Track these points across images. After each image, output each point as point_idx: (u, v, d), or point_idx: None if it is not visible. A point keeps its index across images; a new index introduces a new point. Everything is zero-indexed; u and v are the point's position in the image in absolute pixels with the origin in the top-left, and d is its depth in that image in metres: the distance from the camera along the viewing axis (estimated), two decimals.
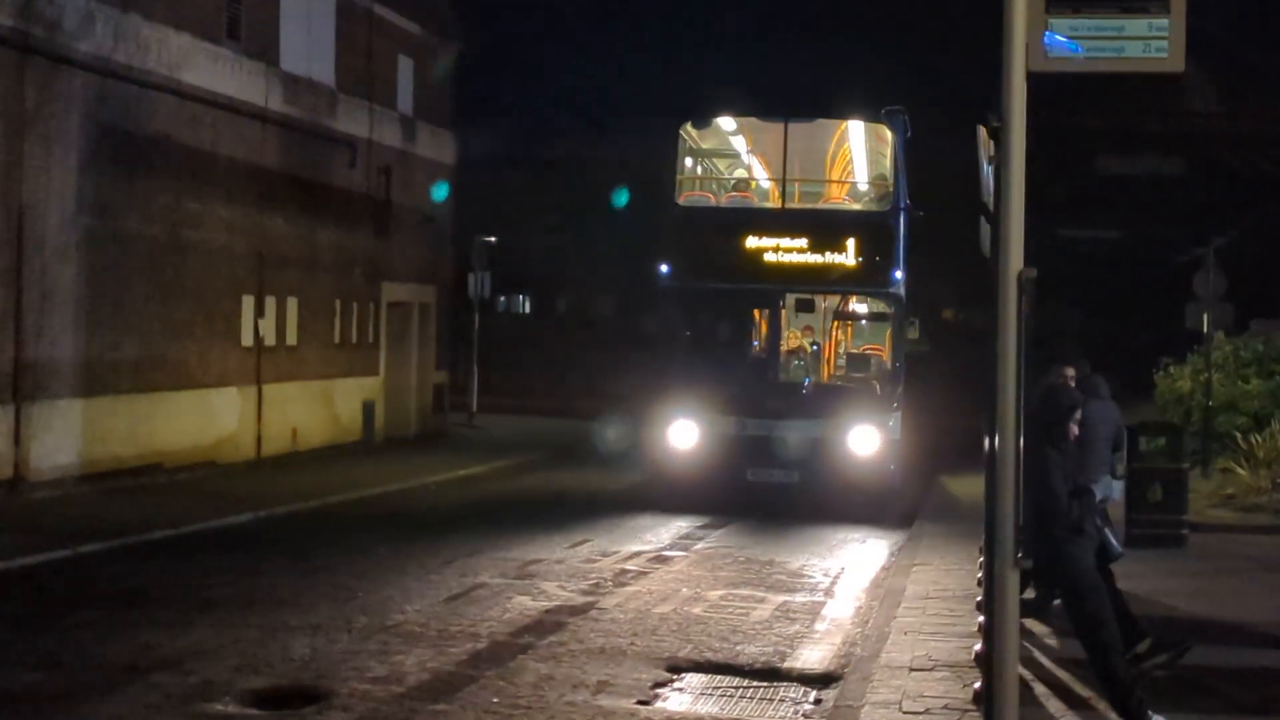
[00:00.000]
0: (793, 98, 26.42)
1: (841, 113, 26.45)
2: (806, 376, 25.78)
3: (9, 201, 22.67)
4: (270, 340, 30.31)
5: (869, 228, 25.03)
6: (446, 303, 39.86)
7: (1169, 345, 31.67)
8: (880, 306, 25.81)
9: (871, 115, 25.69)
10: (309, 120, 31.93)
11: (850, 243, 24.65)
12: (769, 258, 24.79)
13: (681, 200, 25.74)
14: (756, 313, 26.28)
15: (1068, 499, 10.41)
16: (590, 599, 16.03)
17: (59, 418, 23.76)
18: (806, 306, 25.91)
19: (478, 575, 17.25)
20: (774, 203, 26.52)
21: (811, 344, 26.93)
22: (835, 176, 28.71)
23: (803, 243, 24.76)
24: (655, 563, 18.98)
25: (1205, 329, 27.31)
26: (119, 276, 25.28)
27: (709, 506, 24.09)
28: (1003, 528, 8.32)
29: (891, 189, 25.37)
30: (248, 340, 29.47)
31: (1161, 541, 19.55)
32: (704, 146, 28.43)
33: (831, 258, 24.68)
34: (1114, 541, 11.60)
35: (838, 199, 27.61)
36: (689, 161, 27.37)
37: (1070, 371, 14.04)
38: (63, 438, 23.87)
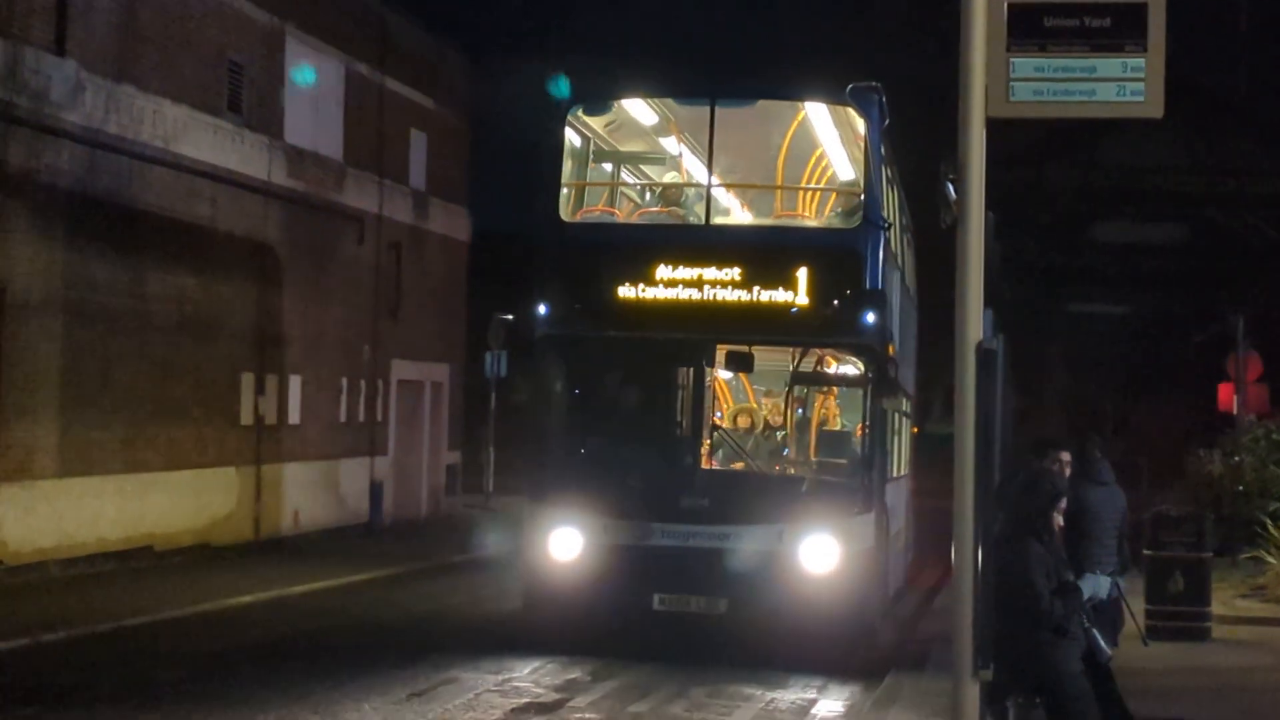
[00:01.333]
0: (722, 72, 20.77)
1: (793, 92, 19.17)
2: (744, 461, 18.93)
3: None
4: (271, 419, 29.52)
5: (830, 252, 17.90)
6: (461, 381, 39.07)
7: (1204, 425, 30.67)
8: (850, 363, 18.96)
9: (835, 96, 18.35)
10: (315, 194, 31.26)
11: (802, 274, 17.42)
12: (689, 295, 17.54)
13: (570, 216, 18.62)
14: (672, 372, 18.63)
15: (1049, 597, 9.42)
16: None
17: (41, 499, 22.96)
18: (742, 364, 18.11)
19: None
20: (697, 218, 18.66)
21: (754, 426, 19.96)
22: (783, 181, 20.59)
23: (736, 273, 17.50)
24: None
25: (1236, 411, 26.30)
26: (108, 353, 24.53)
27: (598, 645, 17.12)
28: (960, 630, 7.38)
29: (862, 196, 18.07)
30: (247, 419, 28.68)
31: (1183, 635, 18.43)
32: (606, 143, 20.71)
33: (776, 295, 17.48)
34: (1102, 643, 10.58)
35: (788, 214, 20.39)
36: (579, 163, 19.77)
37: (1065, 456, 13.03)
38: (45, 520, 23.07)
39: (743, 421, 19.84)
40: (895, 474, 21.12)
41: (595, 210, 19.54)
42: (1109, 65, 7.30)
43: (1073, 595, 9.70)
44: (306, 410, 30.92)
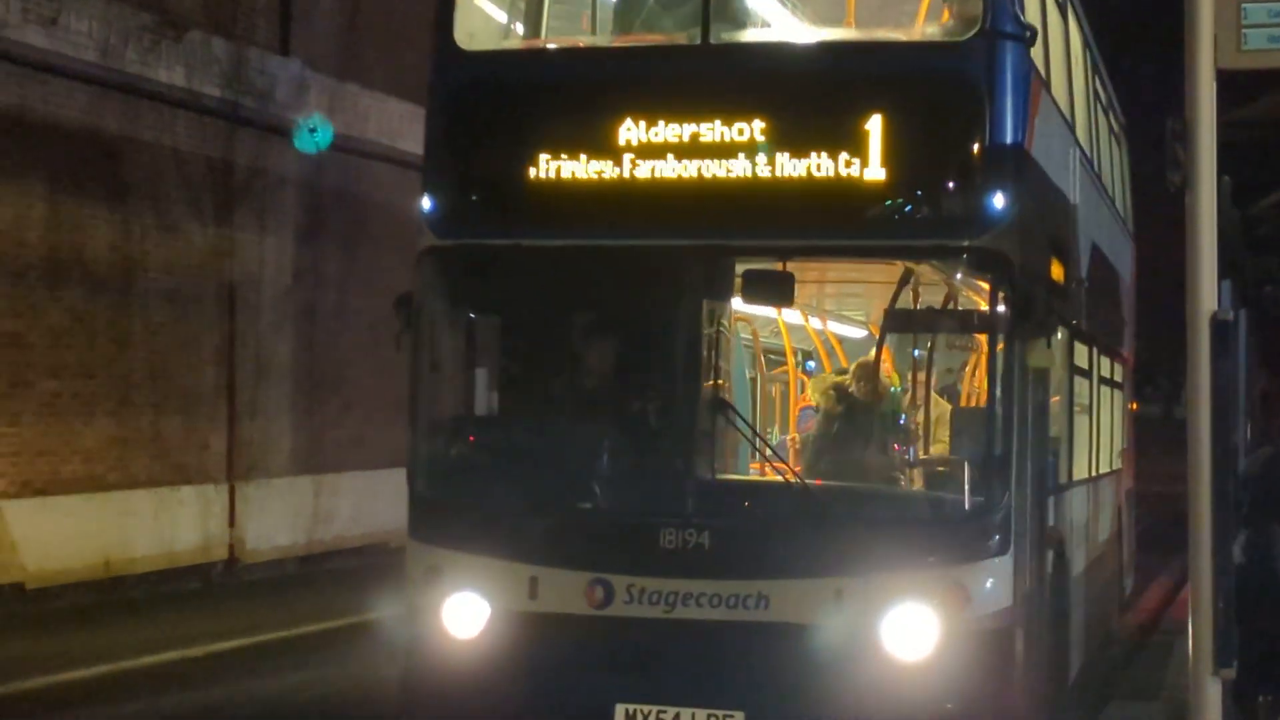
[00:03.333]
0: None
1: None
2: (767, 467, 11.15)
3: (220, 277, 22.23)
4: None
5: (925, 83, 10.25)
6: None
7: None
8: (964, 284, 10.86)
9: None
10: None
11: (874, 126, 9.85)
12: (678, 170, 10.04)
13: (472, 45, 10.86)
14: (648, 310, 10.65)
15: None
16: None
17: (276, 497, 23.17)
18: (773, 292, 10.34)
19: None
20: (689, 36, 10.60)
21: (876, 397, 11.45)
22: None
23: (759, 129, 9.98)
24: None
25: None
26: (340, 351, 24.69)
27: None
28: (1200, 624, 6.80)
29: None
30: None
31: None
32: None
33: (829, 165, 9.87)
34: None
35: (845, 22, 11.71)
36: None
37: None
38: (280, 518, 23.28)
39: (861, 390, 11.47)
40: (1088, 473, 14.67)
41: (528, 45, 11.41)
42: None
43: None
44: None
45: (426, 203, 10.55)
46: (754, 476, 11.34)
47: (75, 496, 19.75)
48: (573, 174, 10.20)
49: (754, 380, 13.50)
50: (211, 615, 18.95)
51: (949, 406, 11.55)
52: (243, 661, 16.07)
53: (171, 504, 21.30)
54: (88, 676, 15.00)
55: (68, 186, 19.79)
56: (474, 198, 10.70)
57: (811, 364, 13.91)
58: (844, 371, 12.18)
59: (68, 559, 19.50)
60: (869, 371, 11.56)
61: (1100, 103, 16.56)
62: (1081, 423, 14.24)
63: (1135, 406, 21.67)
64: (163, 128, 21.38)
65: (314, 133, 18.82)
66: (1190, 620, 6.85)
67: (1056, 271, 11.66)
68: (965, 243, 9.92)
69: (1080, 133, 14.07)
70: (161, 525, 21.11)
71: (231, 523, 22.27)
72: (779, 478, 10.61)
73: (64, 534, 19.53)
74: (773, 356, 13.95)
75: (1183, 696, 8.28)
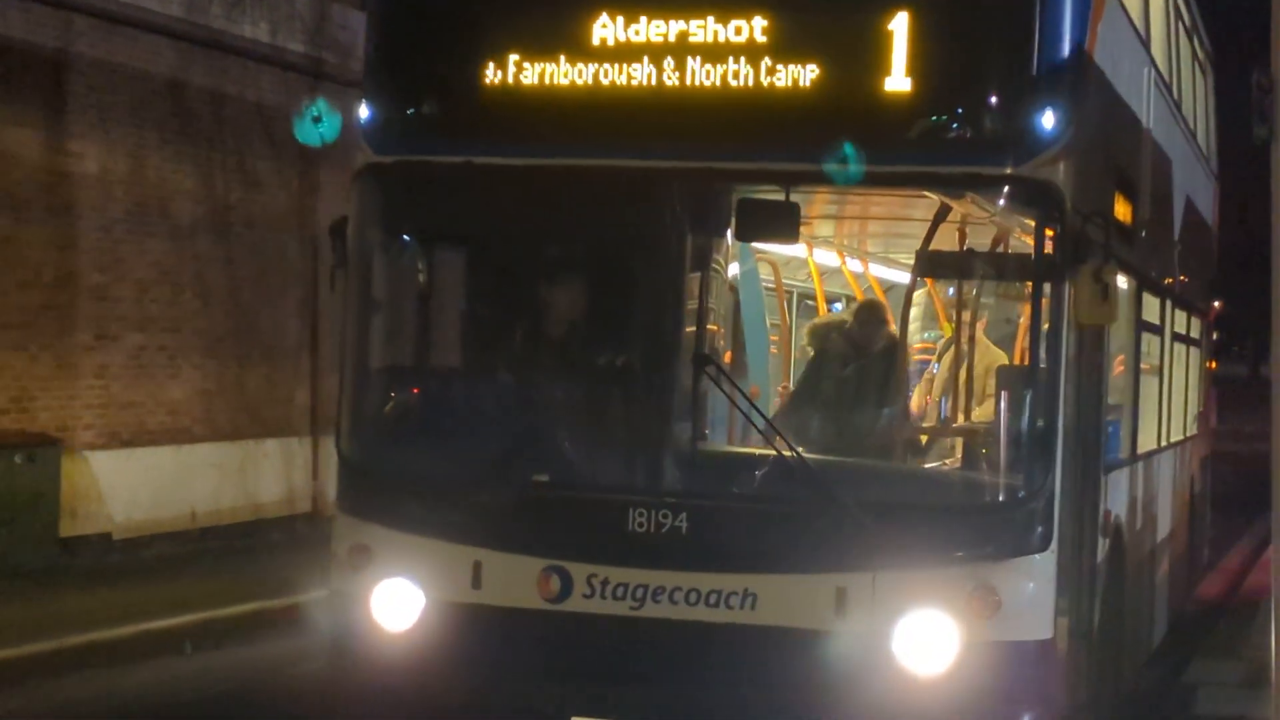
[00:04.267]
0: None
1: None
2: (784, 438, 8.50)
3: (304, 230, 22.36)
4: None
5: None
6: None
7: None
8: (1015, 222, 8.83)
9: None
10: None
11: (899, 26, 8.11)
12: (658, 74, 8.37)
13: None
14: (621, 242, 8.96)
15: None
16: None
17: None
18: (775, 223, 8.35)
19: None
20: None
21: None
22: None
23: (760, 27, 8.26)
24: None
25: None
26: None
27: None
28: None
29: None
30: None
31: None
32: None
33: (840, 75, 8.27)
34: None
35: None
36: None
37: None
38: None
39: (862, 337, 9.88)
40: (1156, 443, 12.93)
41: None
42: None
43: None
44: None
45: (364, 112, 8.96)
46: (745, 448, 9.11)
47: (161, 448, 19.98)
48: (537, 78, 8.49)
49: (778, 329, 11.71)
50: (294, 567, 19.10)
51: (1001, 357, 9.60)
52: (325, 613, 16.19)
53: (256, 457, 21.51)
54: (173, 625, 15.19)
55: (154, 141, 19.98)
56: (420, 107, 9.00)
57: (838, 305, 12.00)
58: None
59: (154, 510, 19.73)
60: (871, 314, 9.85)
61: (1183, 23, 14.70)
62: (1149, 386, 12.47)
63: (1214, 365, 19.88)
64: (247, 83, 21.51)
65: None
66: (1273, 580, 6.78)
67: (1122, 210, 9.98)
68: (1007, 170, 8.04)
69: (1156, 51, 12.19)
70: (246, 478, 21.32)
71: (315, 476, 22.42)
72: (771, 450, 8.43)
73: (150, 485, 19.76)
74: (810, 303, 12.29)
75: (1264, 656, 8.22)
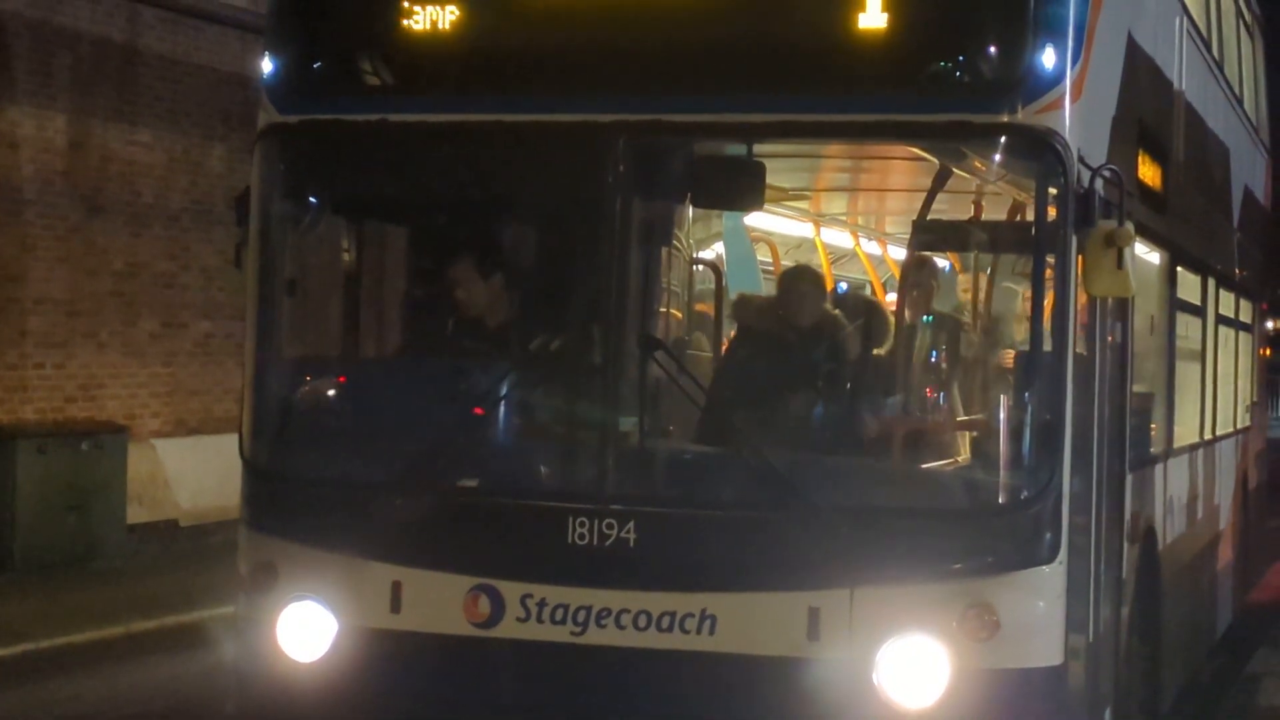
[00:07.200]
0: None
1: None
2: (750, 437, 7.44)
3: None
4: None
5: None
6: None
7: None
8: (1012, 174, 7.44)
9: None
10: None
11: None
12: (594, 16, 7.28)
13: None
14: (563, 208, 7.82)
15: None
16: None
17: None
18: (738, 187, 7.44)
19: None
20: None
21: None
22: None
23: None
24: None
25: None
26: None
27: None
28: None
29: None
30: None
31: None
32: None
33: (807, 7, 7.18)
34: None
35: None
36: None
37: None
38: None
39: (794, 313, 8.23)
40: (1198, 436, 11.64)
41: None
42: None
43: None
44: None
45: (267, 66, 7.69)
46: (701, 446, 7.71)
47: (227, 436, 19.96)
48: (458, 22, 7.24)
49: None
50: None
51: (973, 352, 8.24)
52: None
53: None
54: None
55: (219, 131, 20.08)
56: (328, 59, 7.76)
57: (844, 286, 10.52)
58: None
59: (220, 497, 19.79)
60: (796, 283, 8.25)
61: None
62: (1189, 373, 11.18)
63: (1268, 352, 18.13)
64: None
65: None
66: None
67: (1148, 172, 8.76)
68: (1002, 118, 6.77)
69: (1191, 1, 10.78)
70: None
71: None
72: (731, 448, 7.42)
73: (216, 473, 19.81)
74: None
75: None
